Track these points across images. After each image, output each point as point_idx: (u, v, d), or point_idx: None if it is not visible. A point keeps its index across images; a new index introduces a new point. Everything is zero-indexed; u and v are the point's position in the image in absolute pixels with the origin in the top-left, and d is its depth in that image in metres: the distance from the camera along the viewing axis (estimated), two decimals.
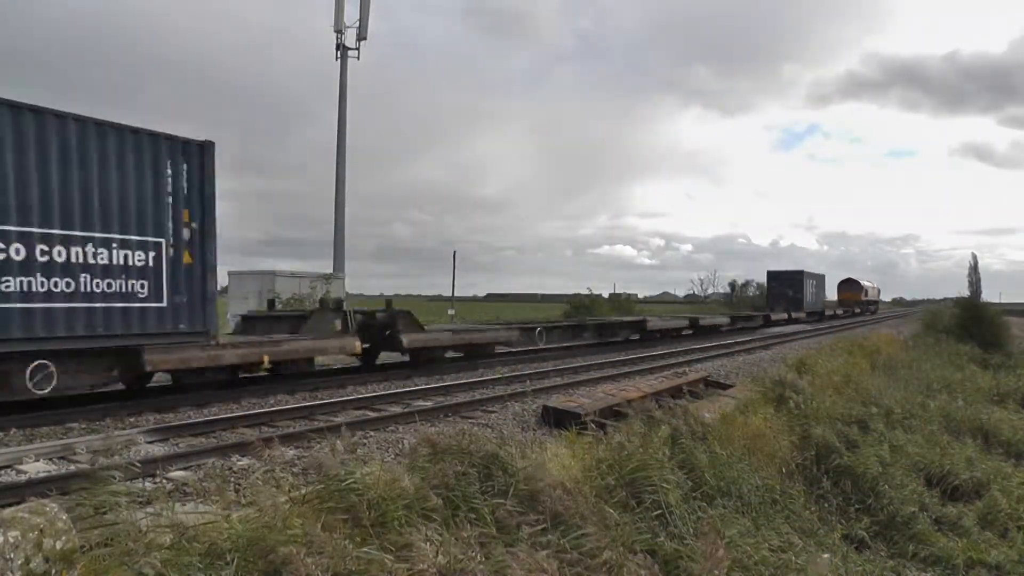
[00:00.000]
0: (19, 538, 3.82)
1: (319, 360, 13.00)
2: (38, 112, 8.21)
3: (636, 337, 23.48)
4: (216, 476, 5.79)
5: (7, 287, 7.93)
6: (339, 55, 24.70)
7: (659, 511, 6.92)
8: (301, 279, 24.75)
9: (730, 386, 13.79)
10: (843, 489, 10.19)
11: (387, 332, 13.84)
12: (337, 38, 24.79)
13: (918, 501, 10.25)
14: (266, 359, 10.95)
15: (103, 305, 8.84)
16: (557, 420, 9.08)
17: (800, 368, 16.62)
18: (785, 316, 38.53)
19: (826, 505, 9.79)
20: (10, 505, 4.74)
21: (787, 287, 45.50)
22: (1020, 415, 17.80)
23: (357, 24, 25.04)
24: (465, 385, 12.27)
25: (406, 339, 13.69)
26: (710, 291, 75.37)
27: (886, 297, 71.84)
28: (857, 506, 9.91)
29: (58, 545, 3.96)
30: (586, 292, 45.90)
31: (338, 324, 13.06)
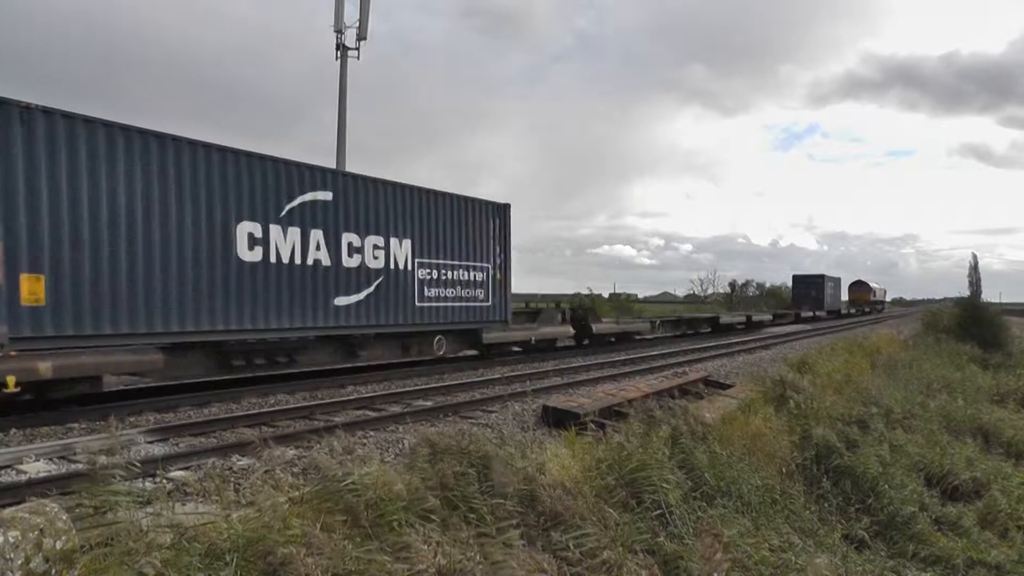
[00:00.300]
0: (19, 538, 3.82)
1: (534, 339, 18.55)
2: (443, 195, 14.70)
3: (708, 330, 29.99)
4: (216, 476, 5.78)
5: (430, 294, 14.38)
6: (339, 55, 24.71)
7: (659, 511, 6.92)
8: None
9: (730, 386, 13.80)
10: (843, 489, 10.19)
11: (582, 323, 20.87)
12: (337, 38, 24.78)
13: (918, 501, 10.25)
14: (533, 338, 18.25)
15: (465, 305, 15.36)
16: (557, 420, 9.08)
17: (800, 368, 16.63)
18: (811, 314, 46.64)
19: (826, 505, 9.79)
20: (10, 505, 4.74)
21: (811, 289, 51.81)
22: (1020, 415, 17.80)
23: (357, 24, 25.05)
24: (465, 385, 12.28)
25: (594, 327, 21.22)
26: (710, 291, 75.33)
27: (887, 297, 78.64)
28: (857, 506, 9.91)
29: (58, 545, 3.96)
30: (586, 292, 46.20)
31: (559, 318, 20.10)
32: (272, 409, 9.48)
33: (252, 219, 10.85)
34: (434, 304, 14.44)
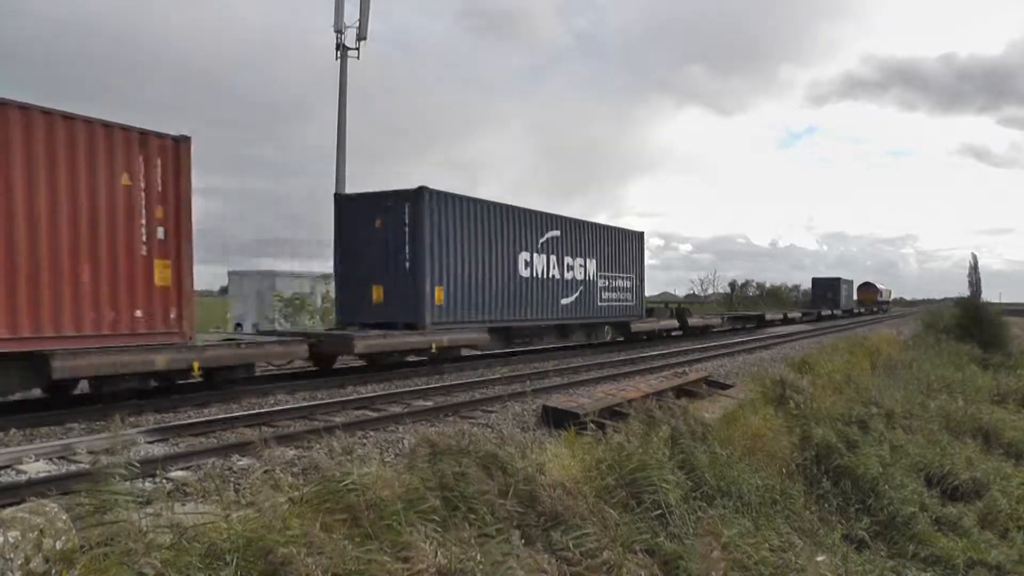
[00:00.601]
0: (19, 538, 3.82)
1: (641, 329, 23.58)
2: (609, 227, 21.64)
3: (753, 325, 35.17)
4: (216, 476, 5.78)
5: (604, 297, 20.60)
6: (339, 55, 24.70)
7: (659, 511, 6.92)
8: (301, 279, 24.75)
9: (730, 386, 13.80)
10: (843, 489, 10.20)
11: (682, 318, 27.33)
12: (337, 38, 24.78)
13: (918, 501, 10.25)
14: (656, 328, 24.78)
15: (620, 304, 21.68)
16: (557, 420, 9.07)
17: (801, 368, 16.63)
18: (829, 312, 52.19)
19: (826, 505, 9.79)
20: (10, 505, 4.74)
21: (828, 290, 58.53)
22: (1020, 415, 17.81)
23: (357, 24, 25.04)
24: (465, 385, 12.27)
25: (690, 321, 27.77)
26: (710, 291, 75.50)
27: (890, 297, 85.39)
28: (857, 506, 9.91)
29: (58, 545, 3.97)
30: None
31: (668, 315, 27.33)
32: (272, 409, 9.47)
33: (525, 250, 16.93)
34: (606, 303, 20.83)
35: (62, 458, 6.68)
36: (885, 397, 15.32)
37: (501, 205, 16.25)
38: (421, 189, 13.85)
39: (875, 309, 69.02)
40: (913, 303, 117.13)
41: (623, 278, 22.04)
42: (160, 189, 9.49)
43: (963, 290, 44.47)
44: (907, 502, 9.98)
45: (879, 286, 73.50)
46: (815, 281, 61.50)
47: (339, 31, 23.91)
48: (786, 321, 39.70)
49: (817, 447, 10.86)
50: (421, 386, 12.00)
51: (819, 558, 7.65)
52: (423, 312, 13.81)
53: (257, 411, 9.33)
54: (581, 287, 19.46)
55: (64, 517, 4.14)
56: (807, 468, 10.47)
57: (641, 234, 23.59)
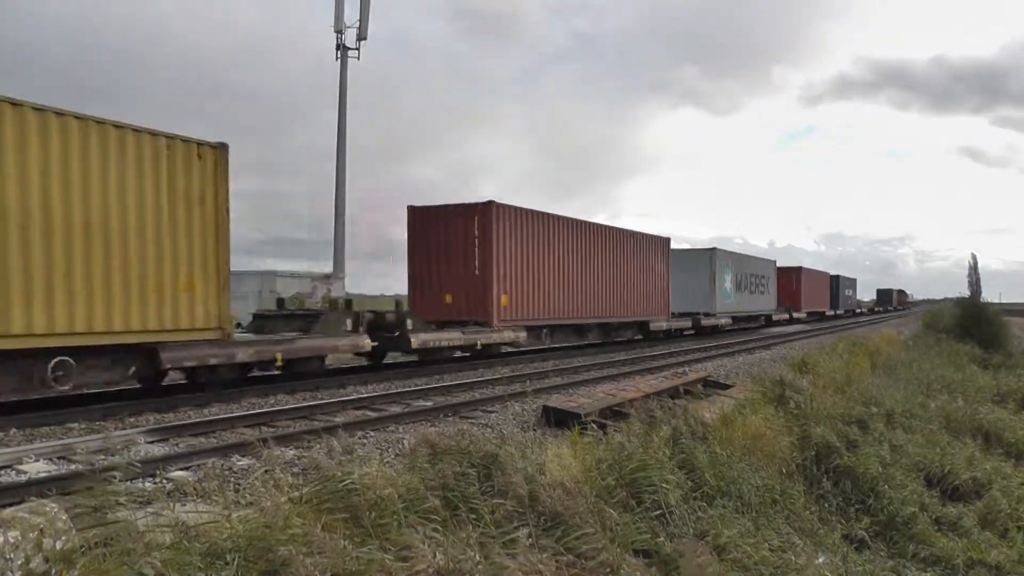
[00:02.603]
0: (19, 538, 3.82)
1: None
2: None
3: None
4: (216, 476, 5.78)
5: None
6: (339, 55, 24.72)
7: (659, 511, 6.92)
8: (301, 279, 24.75)
9: (730, 386, 13.80)
10: (843, 489, 10.19)
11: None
12: (337, 38, 24.81)
13: (918, 501, 10.24)
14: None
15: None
16: (557, 420, 9.08)
17: (801, 368, 16.63)
18: (882, 309, 67.59)
19: (826, 505, 9.78)
20: (10, 505, 4.74)
21: (888, 296, 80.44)
22: (1020, 415, 17.80)
23: (357, 24, 25.07)
24: (465, 385, 12.28)
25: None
26: None
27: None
28: (857, 506, 9.90)
29: (58, 545, 3.97)
30: None
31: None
32: (272, 409, 9.48)
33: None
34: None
35: (62, 458, 6.68)
36: (885, 397, 15.31)
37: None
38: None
39: (903, 308, 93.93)
40: (914, 303, 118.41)
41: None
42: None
43: (963, 290, 44.43)
44: (907, 502, 9.97)
45: (908, 292, 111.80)
46: (879, 291, 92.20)
47: (339, 31, 23.92)
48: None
49: (817, 447, 10.84)
50: (421, 386, 12.00)
51: (819, 559, 7.64)
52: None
53: (257, 411, 9.33)
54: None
55: (64, 517, 4.14)
56: (807, 468, 10.46)
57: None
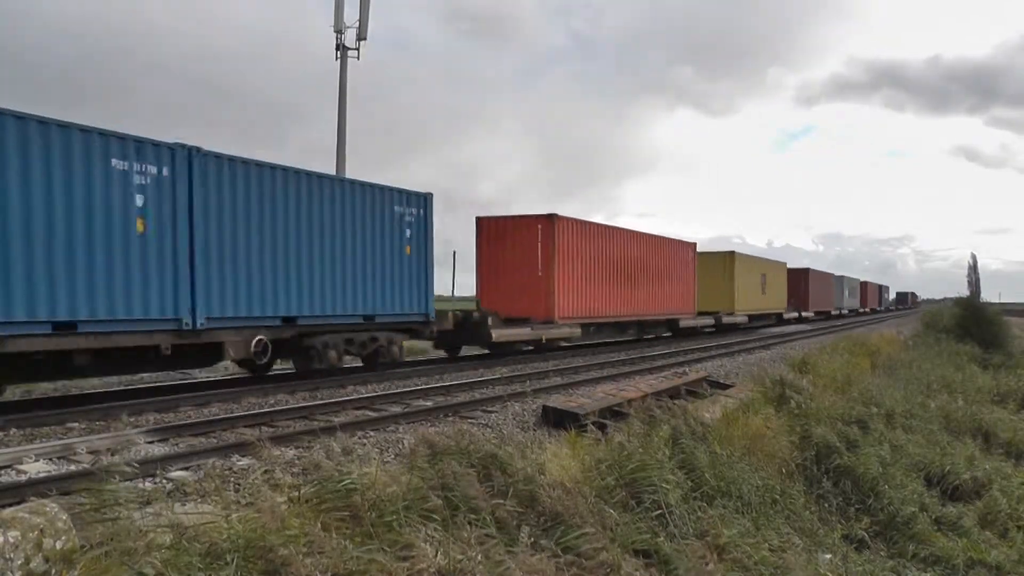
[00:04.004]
0: (19, 538, 3.82)
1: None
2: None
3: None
4: (216, 476, 5.78)
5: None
6: (339, 55, 24.69)
7: (659, 511, 6.92)
8: None
9: (730, 386, 13.79)
10: (843, 489, 10.19)
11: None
12: (337, 38, 24.77)
13: (918, 501, 10.25)
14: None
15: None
16: (557, 420, 9.07)
17: (801, 368, 16.63)
18: (898, 307, 72.63)
19: (826, 505, 9.79)
20: (10, 505, 4.74)
21: (905, 297, 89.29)
22: (1020, 415, 17.80)
23: (357, 24, 25.04)
24: (465, 385, 12.27)
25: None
26: None
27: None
28: (857, 506, 9.91)
29: (58, 545, 3.97)
30: None
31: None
32: (272, 409, 9.47)
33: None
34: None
35: (62, 458, 6.67)
36: (885, 397, 15.31)
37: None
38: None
39: (911, 306, 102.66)
40: (918, 303, 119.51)
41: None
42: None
43: (963, 290, 44.54)
44: (907, 502, 9.97)
45: (916, 293, 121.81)
46: (899, 293, 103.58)
47: (339, 31, 23.90)
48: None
49: (817, 447, 10.85)
50: (421, 386, 12.00)
51: (826, 556, 7.64)
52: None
53: (257, 411, 9.33)
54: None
55: (64, 517, 4.14)
56: (807, 468, 10.46)
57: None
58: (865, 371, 19.27)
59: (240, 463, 6.53)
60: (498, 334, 16.36)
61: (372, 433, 8.19)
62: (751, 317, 33.21)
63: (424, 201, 14.19)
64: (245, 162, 10.85)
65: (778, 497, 8.89)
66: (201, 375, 13.42)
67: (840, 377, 16.51)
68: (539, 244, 17.87)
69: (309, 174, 11.92)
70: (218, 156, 10.41)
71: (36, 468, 6.32)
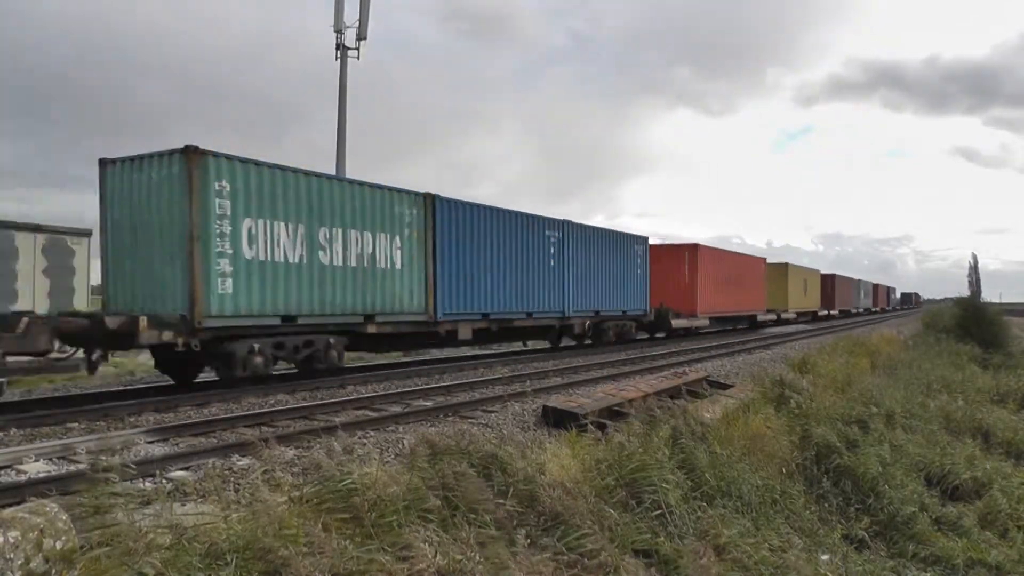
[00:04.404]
0: (19, 538, 3.82)
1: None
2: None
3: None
4: (216, 476, 5.79)
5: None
6: (339, 55, 24.69)
7: (659, 511, 6.92)
8: None
9: (730, 386, 13.79)
10: (843, 489, 10.18)
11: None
12: (337, 38, 24.76)
13: (918, 501, 10.24)
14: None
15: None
16: (557, 420, 9.07)
17: (801, 368, 16.62)
18: (904, 307, 77.84)
19: (826, 505, 9.78)
20: (10, 505, 4.74)
21: (909, 297, 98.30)
22: (1020, 415, 17.79)
23: (357, 24, 25.03)
24: (465, 385, 12.27)
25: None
26: None
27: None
28: (857, 506, 9.90)
29: (58, 545, 3.97)
30: None
31: None
32: (272, 409, 9.48)
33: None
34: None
35: (62, 458, 6.68)
36: (885, 397, 15.30)
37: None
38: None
39: (915, 306, 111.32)
40: (920, 303, 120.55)
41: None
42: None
43: (963, 290, 44.67)
44: (907, 502, 9.96)
45: (920, 293, 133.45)
46: (903, 294, 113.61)
47: (339, 31, 23.88)
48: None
49: (817, 447, 10.84)
50: (421, 386, 12.00)
51: (824, 557, 7.64)
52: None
53: (257, 411, 9.34)
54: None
55: (64, 517, 4.14)
56: (807, 468, 10.46)
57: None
58: (865, 371, 19.26)
59: (240, 463, 6.54)
60: (675, 323, 25.00)
61: (372, 433, 8.19)
62: (798, 314, 42.45)
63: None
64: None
65: (778, 497, 8.88)
66: (200, 375, 13.41)
67: (840, 377, 16.51)
68: (686, 263, 26.75)
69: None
70: (582, 227, 20.23)
71: (36, 468, 6.32)
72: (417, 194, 14.20)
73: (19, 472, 6.21)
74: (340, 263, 12.27)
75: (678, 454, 8.33)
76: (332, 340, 12.19)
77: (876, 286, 75.71)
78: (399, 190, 13.78)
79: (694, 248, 27.19)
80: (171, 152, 10.27)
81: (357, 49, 23.98)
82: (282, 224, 11.22)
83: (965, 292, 44.14)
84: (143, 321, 9.65)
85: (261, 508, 4.69)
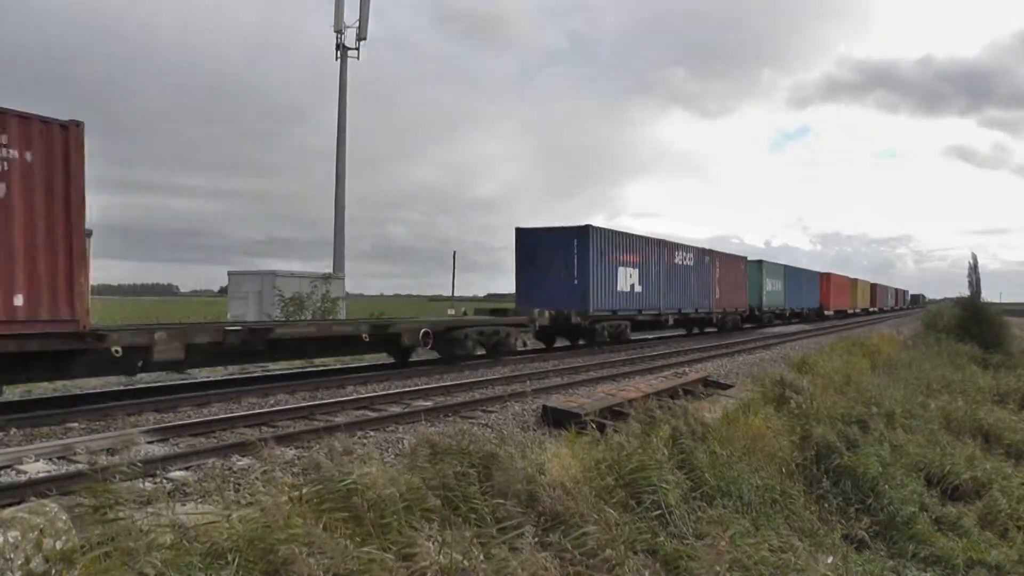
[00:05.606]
0: (19, 538, 3.82)
1: None
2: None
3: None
4: (216, 476, 5.78)
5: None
6: (339, 55, 24.72)
7: (659, 511, 6.91)
8: (301, 279, 24.73)
9: (730, 386, 13.80)
10: (843, 489, 10.18)
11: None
12: (337, 38, 24.80)
13: (918, 501, 10.23)
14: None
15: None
16: (557, 420, 9.07)
17: (801, 368, 16.62)
18: (912, 307, 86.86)
19: (826, 505, 9.77)
20: (10, 505, 4.74)
21: (918, 298, 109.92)
22: (1020, 415, 17.79)
23: (357, 24, 25.07)
24: (465, 385, 12.28)
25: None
26: None
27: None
28: (857, 506, 9.89)
29: (58, 545, 3.97)
30: None
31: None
32: (272, 409, 9.48)
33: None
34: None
35: (62, 458, 6.68)
36: (885, 397, 15.29)
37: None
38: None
39: (920, 305, 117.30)
40: (924, 303, 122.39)
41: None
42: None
43: (963, 290, 44.77)
44: (907, 502, 9.96)
45: (924, 294, 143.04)
46: (912, 295, 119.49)
47: (339, 31, 23.90)
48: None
49: (817, 447, 10.83)
50: (421, 386, 12.00)
51: (828, 559, 7.62)
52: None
53: (257, 411, 9.34)
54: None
55: (64, 517, 4.14)
56: (807, 468, 10.45)
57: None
58: (865, 371, 19.26)
59: (240, 463, 6.54)
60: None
61: (372, 433, 8.20)
62: (863, 310, 57.52)
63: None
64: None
65: (778, 497, 8.87)
66: (201, 375, 13.41)
67: (840, 377, 16.51)
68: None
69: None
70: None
71: (36, 468, 6.33)
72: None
73: (19, 472, 6.21)
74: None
75: (678, 454, 8.33)
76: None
77: (897, 290, 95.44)
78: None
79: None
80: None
81: (357, 49, 23.97)
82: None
83: (965, 292, 44.15)
84: None
85: (270, 505, 4.68)
